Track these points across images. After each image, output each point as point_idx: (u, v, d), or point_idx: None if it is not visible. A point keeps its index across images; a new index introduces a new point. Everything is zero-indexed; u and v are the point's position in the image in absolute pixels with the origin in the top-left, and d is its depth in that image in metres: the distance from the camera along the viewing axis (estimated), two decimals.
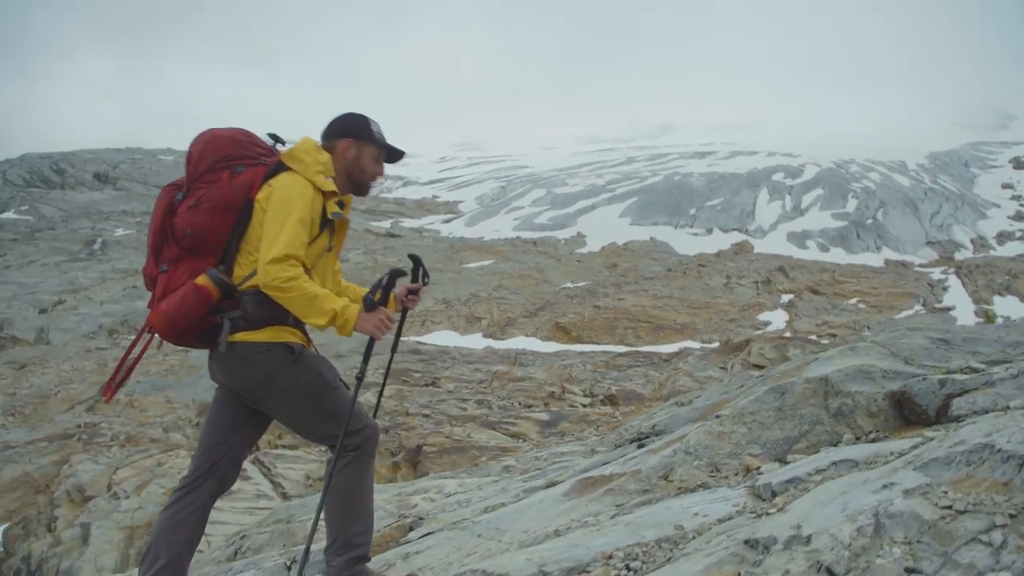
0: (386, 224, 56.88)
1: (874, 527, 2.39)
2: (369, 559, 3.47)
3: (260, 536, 6.85)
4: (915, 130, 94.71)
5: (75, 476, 13.18)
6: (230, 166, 3.38)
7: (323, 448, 12.70)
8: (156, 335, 3.43)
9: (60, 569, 10.44)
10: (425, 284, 3.78)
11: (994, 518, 2.26)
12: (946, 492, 2.48)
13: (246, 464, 12.47)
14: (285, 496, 11.05)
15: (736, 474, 3.77)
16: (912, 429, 3.71)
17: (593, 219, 54.71)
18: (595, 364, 22.84)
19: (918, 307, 33.36)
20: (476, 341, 29.71)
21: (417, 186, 76.89)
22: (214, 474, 3.49)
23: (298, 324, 3.44)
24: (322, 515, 3.48)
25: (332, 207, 3.41)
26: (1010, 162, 72.27)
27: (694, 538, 2.99)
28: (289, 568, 4.64)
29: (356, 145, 3.57)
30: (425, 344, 27.40)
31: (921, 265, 44.61)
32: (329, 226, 3.44)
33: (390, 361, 4.12)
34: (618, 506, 3.81)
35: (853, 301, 34.33)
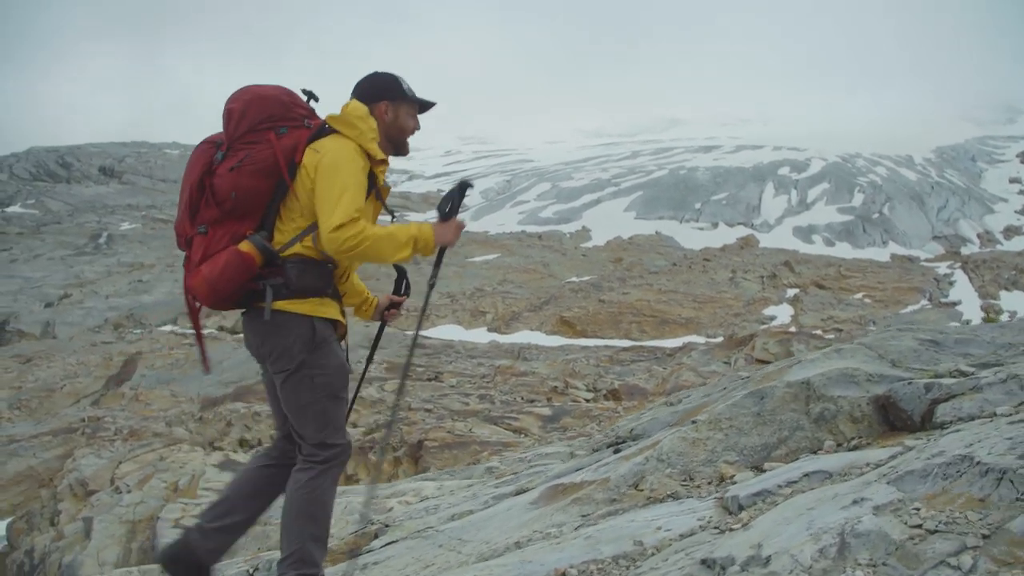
0: (390, 219, 56.70)
1: (838, 548, 2.28)
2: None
3: None
4: (922, 124, 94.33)
5: (78, 470, 13.22)
6: (274, 127, 3.27)
7: None
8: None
9: (62, 563, 10.47)
10: (406, 296, 3.74)
11: (966, 539, 2.15)
12: (918, 509, 2.37)
13: (246, 457, 12.51)
14: None
15: (709, 483, 3.65)
16: (896, 436, 3.60)
17: (598, 213, 54.63)
18: (598, 359, 22.86)
19: (924, 302, 33.29)
20: (481, 335, 29.75)
21: (422, 180, 76.83)
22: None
23: (336, 296, 3.40)
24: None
25: (382, 175, 3.39)
26: (1017, 156, 71.92)
27: (652, 555, 2.89)
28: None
29: (392, 106, 3.48)
30: (430, 338, 27.44)
31: (927, 260, 44.48)
32: (375, 193, 3.39)
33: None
34: (583, 516, 3.70)
35: (859, 296, 34.28)
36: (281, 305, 3.22)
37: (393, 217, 3.80)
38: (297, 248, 3.25)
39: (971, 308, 31.57)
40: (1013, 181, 63.59)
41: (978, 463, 2.46)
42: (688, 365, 18.81)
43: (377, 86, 3.49)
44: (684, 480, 3.73)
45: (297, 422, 3.34)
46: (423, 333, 28.82)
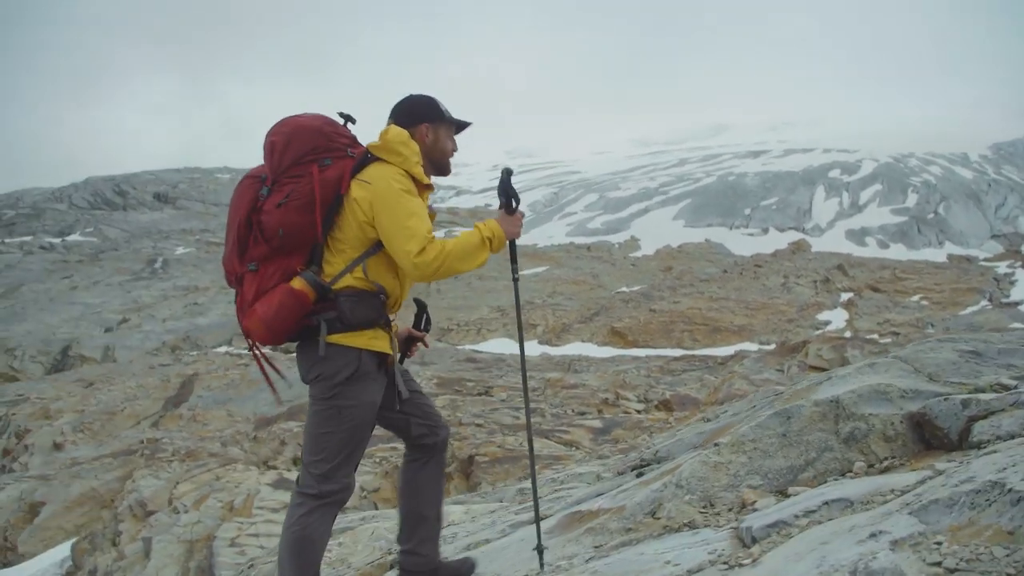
0: (440, 234, 57.06)
1: None
2: None
3: (266, 566, 6.75)
4: (977, 121, 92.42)
5: (137, 491, 13.46)
6: (318, 159, 3.24)
7: (376, 459, 12.83)
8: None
9: None
10: (426, 331, 3.70)
11: None
12: (940, 543, 2.19)
13: (288, 476, 12.64)
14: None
15: (730, 509, 3.47)
16: (931, 456, 3.39)
17: (647, 222, 54.42)
18: (649, 369, 22.69)
19: (984, 303, 32.52)
20: (531, 348, 29.72)
21: (469, 195, 77.27)
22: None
23: (387, 326, 3.37)
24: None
25: (426, 200, 3.36)
26: None
27: None
28: None
29: (432, 128, 3.48)
30: (480, 352, 27.49)
31: (986, 259, 43.49)
32: None
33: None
34: (596, 548, 3.55)
35: (916, 298, 33.61)
36: (335, 339, 3.21)
37: (422, 321, 3.74)
38: (348, 280, 3.23)
39: None
40: None
41: (1010, 490, 2.25)
42: (740, 373, 18.54)
43: (416, 109, 3.48)
44: (704, 507, 3.57)
45: (309, 448, 3.30)
46: (475, 347, 28.93)
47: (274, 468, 13.90)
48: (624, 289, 38.94)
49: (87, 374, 29.25)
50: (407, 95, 3.57)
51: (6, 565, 14.27)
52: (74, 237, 59.97)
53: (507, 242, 3.44)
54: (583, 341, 30.69)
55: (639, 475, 4.75)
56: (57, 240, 58.53)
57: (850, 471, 3.50)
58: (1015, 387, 3.62)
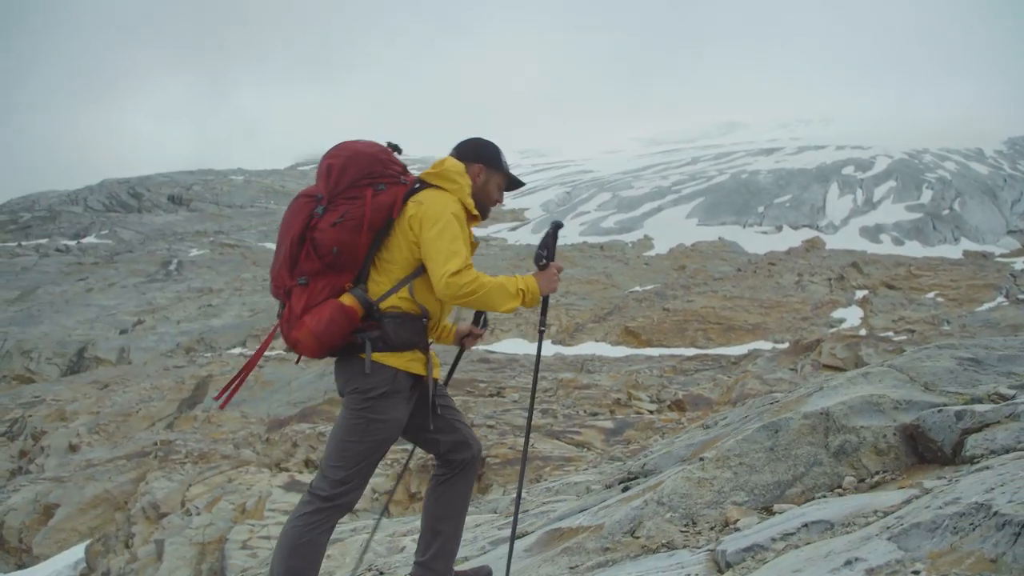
0: None
1: None
2: None
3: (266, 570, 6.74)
4: (992, 115, 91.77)
5: (150, 493, 13.52)
6: (373, 183, 3.40)
7: (388, 462, 12.80)
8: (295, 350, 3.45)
9: None
10: (485, 329, 3.84)
11: None
12: (917, 572, 2.05)
13: (311, 478, 12.65)
14: (353, 512, 11.12)
15: (712, 528, 3.34)
16: (924, 471, 3.28)
17: (660, 221, 54.21)
18: (662, 369, 22.61)
19: (1001, 299, 32.22)
20: (545, 348, 29.54)
21: None
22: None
23: (426, 349, 3.50)
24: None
25: (471, 230, 3.51)
26: None
27: None
28: None
29: (487, 172, 3.64)
30: (494, 352, 27.46)
31: (1002, 255, 43.14)
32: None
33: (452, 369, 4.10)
34: (572, 568, 3.46)
35: (931, 295, 33.35)
36: (377, 357, 3.33)
37: (480, 321, 3.89)
38: (393, 300, 3.37)
39: None
40: None
41: (995, 513, 2.10)
42: (753, 373, 18.42)
43: (479, 150, 3.66)
44: (685, 525, 3.43)
45: (331, 454, 3.40)
46: (489, 348, 28.88)
47: (286, 470, 13.93)
48: (638, 288, 38.82)
49: (102, 376, 29.42)
50: (476, 136, 3.74)
51: (21, 567, 14.35)
52: (89, 239, 60.28)
53: (541, 298, 3.53)
54: (596, 341, 30.61)
55: (625, 489, 4.65)
56: (72, 243, 58.89)
57: (839, 487, 3.40)
58: (1013, 397, 3.49)
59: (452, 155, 3.63)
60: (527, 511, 5.70)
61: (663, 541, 3.32)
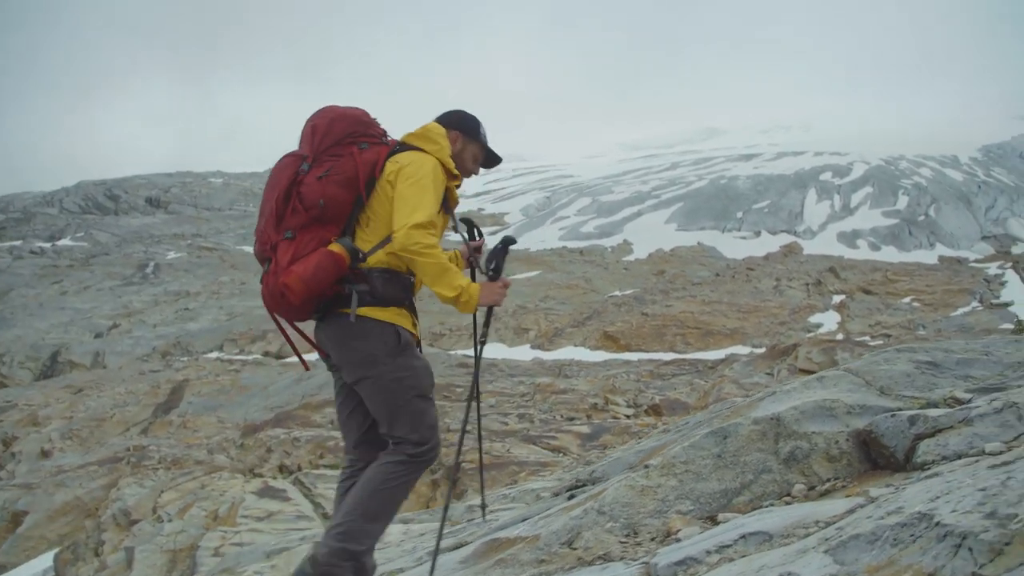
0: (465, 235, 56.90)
1: None
2: (360, 563, 3.33)
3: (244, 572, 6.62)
4: (967, 123, 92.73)
5: (121, 500, 13.34)
6: (356, 142, 3.49)
7: None
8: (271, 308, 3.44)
9: None
10: (482, 240, 3.87)
11: None
12: None
13: (285, 484, 12.52)
14: (326, 516, 11.02)
15: (653, 539, 3.21)
16: (876, 477, 3.20)
17: (639, 226, 54.33)
18: (639, 374, 22.61)
19: (975, 303, 32.50)
20: (524, 353, 29.62)
21: (463, 199, 76.84)
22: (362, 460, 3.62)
23: (412, 310, 3.54)
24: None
25: (454, 190, 3.60)
26: None
27: None
28: None
29: (463, 139, 3.74)
30: (471, 358, 27.37)
31: (977, 261, 43.56)
32: (444, 207, 3.54)
33: (475, 378, 3.98)
34: None
35: (907, 300, 33.61)
36: (364, 311, 3.34)
37: (474, 233, 3.89)
38: (380, 256, 3.40)
39: None
40: None
41: (937, 524, 2.01)
42: (730, 377, 18.45)
43: (460, 119, 3.78)
44: (626, 536, 3.29)
45: (389, 425, 3.41)
46: (467, 352, 28.77)
47: (260, 476, 13.78)
48: (617, 293, 38.86)
49: (76, 380, 29.06)
50: (459, 108, 3.85)
51: None
52: (64, 242, 59.63)
53: (486, 307, 3.56)
54: (575, 345, 30.59)
55: (571, 497, 4.51)
56: (47, 245, 58.20)
57: (789, 494, 3.29)
58: (969, 401, 3.41)
59: (435, 121, 3.72)
60: (472, 520, 5.64)
61: (600, 553, 3.18)
